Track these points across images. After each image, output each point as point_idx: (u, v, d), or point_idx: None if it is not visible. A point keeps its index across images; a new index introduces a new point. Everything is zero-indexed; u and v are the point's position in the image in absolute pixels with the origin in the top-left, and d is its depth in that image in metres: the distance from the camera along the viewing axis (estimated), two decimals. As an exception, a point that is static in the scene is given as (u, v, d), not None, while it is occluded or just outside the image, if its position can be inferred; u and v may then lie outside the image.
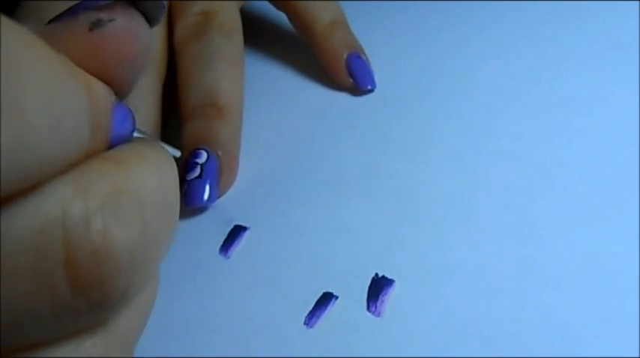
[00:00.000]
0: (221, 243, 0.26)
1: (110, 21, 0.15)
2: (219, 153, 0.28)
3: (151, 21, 0.16)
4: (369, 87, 0.32)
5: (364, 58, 0.33)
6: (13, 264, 0.13)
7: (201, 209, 0.28)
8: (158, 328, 0.18)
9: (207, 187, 0.27)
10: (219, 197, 0.28)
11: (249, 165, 0.29)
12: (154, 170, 0.15)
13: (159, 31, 0.32)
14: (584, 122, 0.29)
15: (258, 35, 0.37)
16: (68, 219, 0.13)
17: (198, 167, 0.27)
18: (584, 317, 0.22)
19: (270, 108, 0.33)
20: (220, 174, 0.28)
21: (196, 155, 0.27)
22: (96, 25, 0.15)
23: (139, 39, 0.16)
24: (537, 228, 0.25)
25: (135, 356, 0.17)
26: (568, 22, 0.34)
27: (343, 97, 0.33)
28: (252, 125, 0.31)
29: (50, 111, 0.13)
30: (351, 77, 0.32)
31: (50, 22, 0.15)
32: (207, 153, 0.28)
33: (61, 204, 0.13)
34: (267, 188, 0.29)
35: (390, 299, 0.23)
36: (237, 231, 0.27)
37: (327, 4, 0.34)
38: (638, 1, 0.34)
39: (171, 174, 0.16)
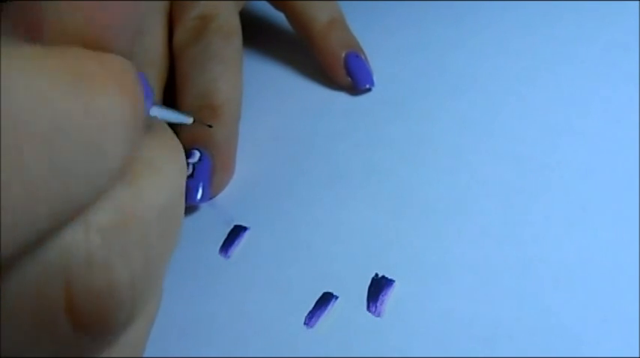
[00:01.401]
0: (221, 243, 0.26)
1: None
2: (213, 153, 0.28)
3: None
4: (368, 86, 0.32)
5: (363, 57, 0.33)
6: (13, 311, 0.12)
7: (199, 208, 0.28)
8: (158, 328, 0.17)
9: (200, 186, 0.27)
10: (212, 196, 0.28)
11: (248, 165, 0.29)
12: (166, 184, 0.15)
13: (159, 34, 0.32)
14: (584, 122, 0.29)
15: (257, 35, 0.37)
16: (69, 259, 0.13)
17: (191, 166, 0.27)
18: (584, 317, 0.22)
19: (269, 108, 0.33)
20: (213, 174, 0.28)
21: (189, 155, 0.28)
22: None
23: None
24: (537, 228, 0.25)
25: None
26: (568, 22, 0.34)
27: (342, 97, 0.33)
28: (251, 125, 0.31)
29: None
30: (349, 76, 0.32)
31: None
32: (200, 152, 0.28)
33: (62, 246, 0.12)
34: (267, 188, 0.28)
35: (390, 299, 0.23)
36: (237, 231, 0.27)
37: (325, 4, 0.34)
38: (638, 1, 0.34)
39: (181, 183, 0.16)
